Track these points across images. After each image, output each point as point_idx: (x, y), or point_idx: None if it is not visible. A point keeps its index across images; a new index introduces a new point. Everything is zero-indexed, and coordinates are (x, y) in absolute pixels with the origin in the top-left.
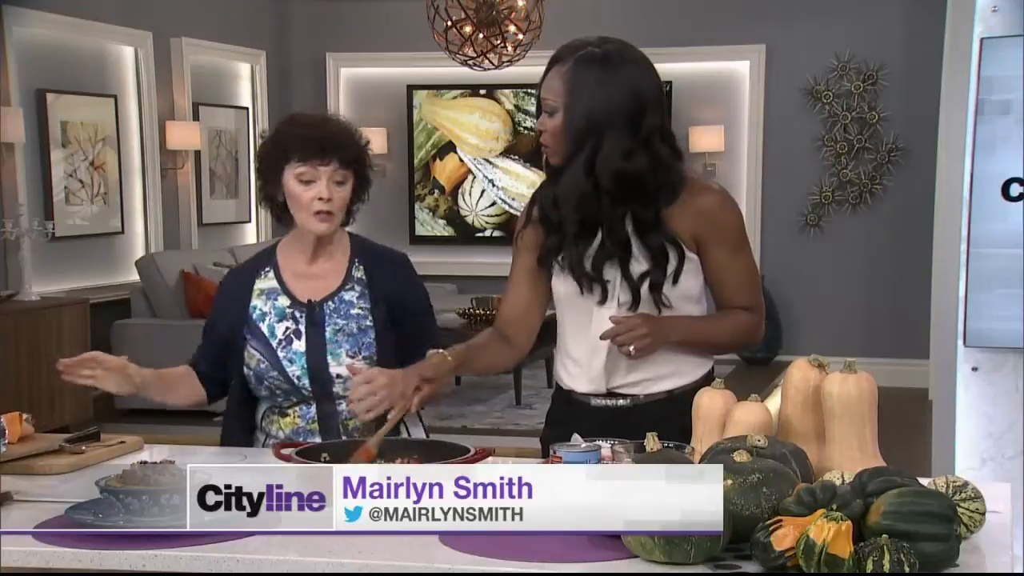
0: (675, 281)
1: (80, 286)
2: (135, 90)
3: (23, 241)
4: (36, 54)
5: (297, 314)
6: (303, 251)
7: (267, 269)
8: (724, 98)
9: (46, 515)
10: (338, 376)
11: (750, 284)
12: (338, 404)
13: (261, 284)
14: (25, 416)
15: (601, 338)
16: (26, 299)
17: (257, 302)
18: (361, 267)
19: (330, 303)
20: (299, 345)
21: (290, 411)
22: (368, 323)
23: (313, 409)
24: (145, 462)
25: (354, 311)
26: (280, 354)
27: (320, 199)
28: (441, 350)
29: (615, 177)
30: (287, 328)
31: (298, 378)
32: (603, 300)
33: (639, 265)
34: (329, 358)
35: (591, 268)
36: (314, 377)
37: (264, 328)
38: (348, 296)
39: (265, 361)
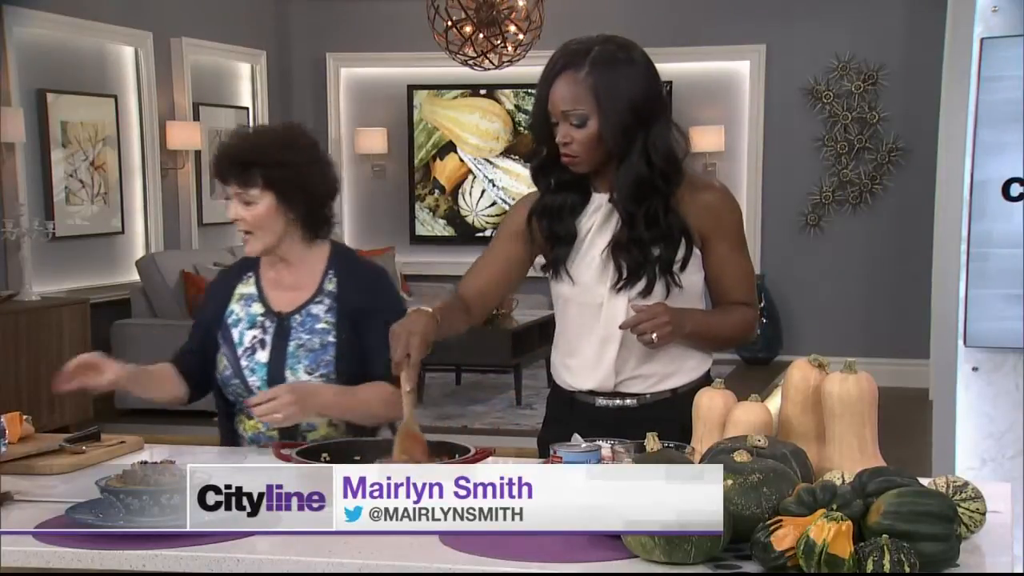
0: (683, 267)
1: (80, 286)
2: (135, 90)
3: (23, 241)
4: (36, 54)
5: (267, 324)
6: (273, 260)
7: (249, 274)
8: (724, 98)
9: (46, 515)
10: None
11: (748, 279)
12: None
13: (242, 288)
14: (25, 416)
15: (621, 327)
16: (26, 299)
17: (235, 306)
18: (334, 279)
19: (298, 316)
20: (262, 356)
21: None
22: (331, 339)
23: None
24: (145, 462)
25: (319, 325)
26: (243, 363)
27: (232, 219)
28: (425, 307)
29: (668, 158)
30: (254, 337)
31: (258, 388)
32: (624, 287)
33: (655, 248)
34: (287, 372)
35: (637, 251)
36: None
37: (235, 334)
38: (315, 309)
39: (230, 368)
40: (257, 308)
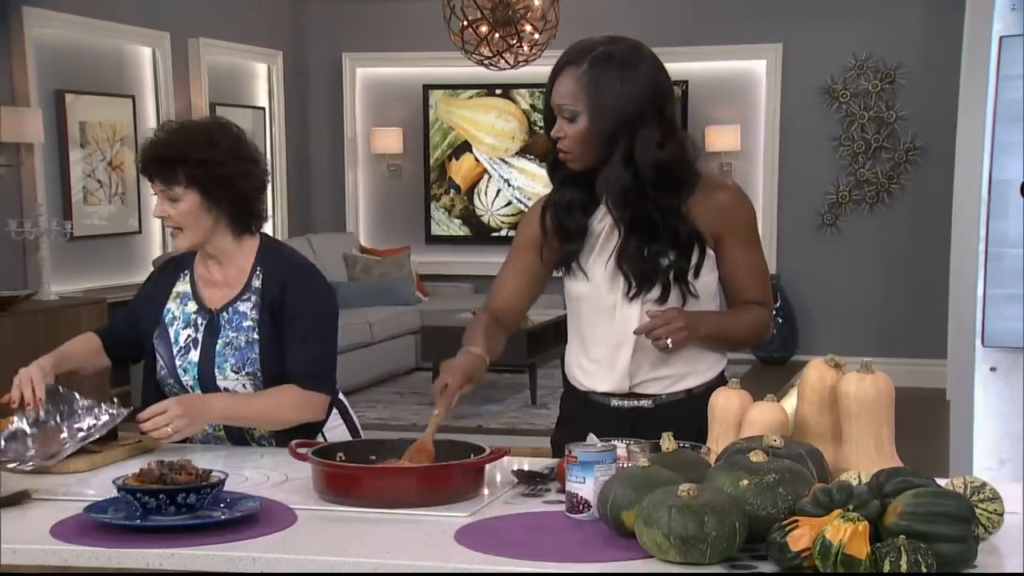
0: (696, 273)
1: (98, 285)
2: (153, 90)
3: (42, 241)
4: (55, 55)
5: (199, 322)
6: (204, 256)
7: (185, 272)
8: (740, 97)
9: (64, 514)
10: (225, 389)
11: (763, 278)
12: None
13: (179, 287)
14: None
15: (635, 333)
16: (45, 299)
17: (172, 304)
18: (260, 275)
19: (226, 313)
20: (194, 355)
21: None
22: (255, 336)
23: None
24: (162, 461)
25: (246, 323)
26: (177, 362)
27: (162, 216)
28: (474, 349)
29: (655, 167)
30: (188, 336)
31: (191, 388)
32: (636, 294)
33: (666, 256)
34: (216, 371)
35: (641, 261)
36: (204, 389)
37: (171, 333)
38: (243, 307)
39: (165, 368)
40: (192, 306)
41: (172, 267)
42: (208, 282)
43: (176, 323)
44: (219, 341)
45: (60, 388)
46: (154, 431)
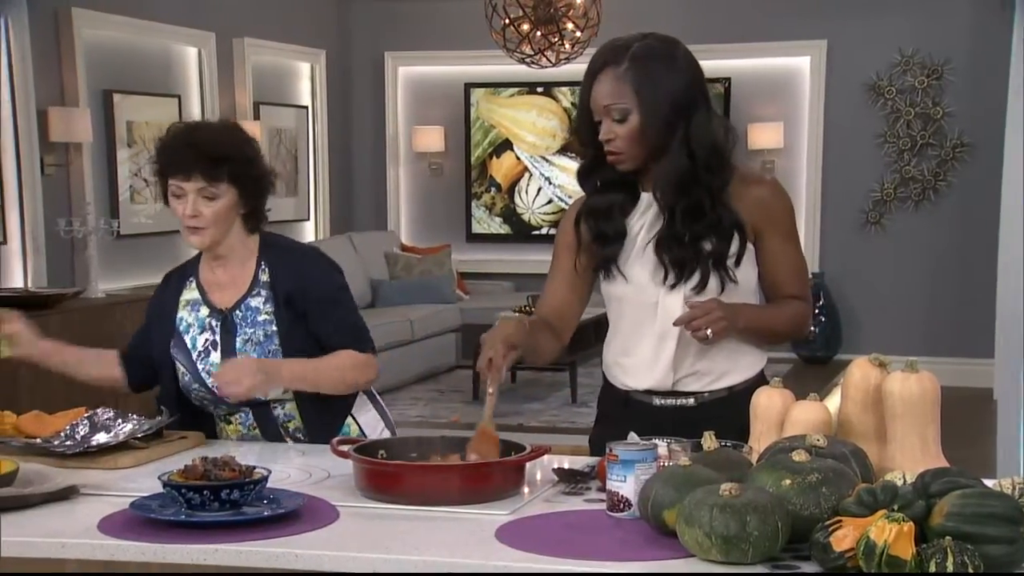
0: (738, 262)
1: (145, 283)
2: (198, 90)
3: (90, 239)
4: (103, 55)
5: (214, 323)
6: (209, 259)
7: (191, 279)
8: (784, 94)
9: (111, 509)
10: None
11: (801, 273)
12: (273, 408)
13: (187, 295)
14: (88, 413)
15: (675, 324)
16: (92, 296)
17: (183, 313)
18: (266, 269)
19: (239, 311)
20: (216, 356)
21: (231, 418)
22: (273, 328)
23: (251, 415)
24: (206, 458)
25: (260, 317)
26: (200, 367)
27: (187, 215)
28: (514, 313)
29: (712, 148)
30: (206, 340)
31: (219, 388)
32: (677, 283)
33: (708, 243)
34: None
35: (681, 247)
36: None
37: (188, 340)
38: (254, 302)
39: (188, 374)
40: (204, 311)
41: (176, 277)
42: (215, 285)
43: (192, 330)
44: (238, 339)
45: (110, 410)
46: (228, 390)
